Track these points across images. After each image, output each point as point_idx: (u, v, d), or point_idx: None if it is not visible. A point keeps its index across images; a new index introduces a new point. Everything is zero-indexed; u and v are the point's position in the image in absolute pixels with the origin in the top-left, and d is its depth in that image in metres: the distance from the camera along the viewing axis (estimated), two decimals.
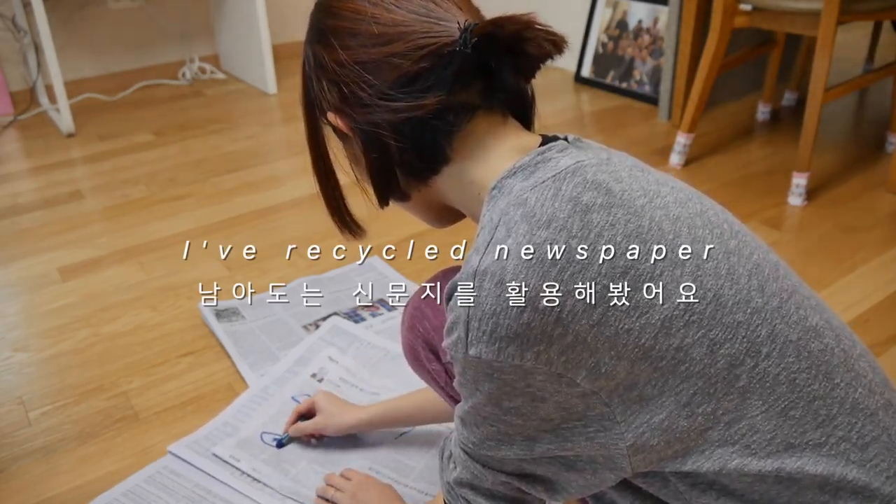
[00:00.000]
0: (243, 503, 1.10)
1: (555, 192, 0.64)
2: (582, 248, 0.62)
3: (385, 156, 0.73)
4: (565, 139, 0.73)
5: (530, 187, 0.65)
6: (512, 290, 0.61)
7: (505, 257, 0.62)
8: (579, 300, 0.61)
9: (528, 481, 0.73)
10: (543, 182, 0.65)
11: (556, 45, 0.66)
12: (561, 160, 0.67)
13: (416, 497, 1.11)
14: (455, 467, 0.78)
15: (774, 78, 2.54)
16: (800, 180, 1.97)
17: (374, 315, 1.54)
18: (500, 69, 0.70)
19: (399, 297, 1.60)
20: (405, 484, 1.13)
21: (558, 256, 0.61)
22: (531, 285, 0.61)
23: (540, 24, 0.65)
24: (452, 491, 0.79)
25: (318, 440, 1.21)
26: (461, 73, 0.69)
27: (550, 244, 0.62)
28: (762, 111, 2.57)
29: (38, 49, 2.77)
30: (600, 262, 0.62)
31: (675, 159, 2.22)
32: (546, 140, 0.73)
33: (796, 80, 2.66)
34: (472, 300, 0.63)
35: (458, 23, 0.69)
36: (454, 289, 0.65)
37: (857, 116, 2.62)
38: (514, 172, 0.68)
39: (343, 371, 1.36)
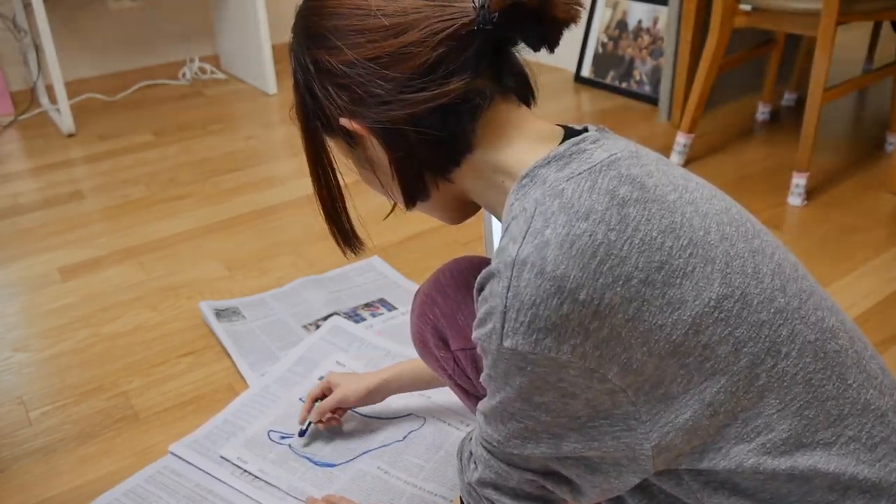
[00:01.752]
0: (244, 503, 1.10)
1: (591, 184, 0.64)
2: (620, 242, 0.61)
3: (409, 152, 0.70)
4: (585, 129, 0.72)
5: (566, 178, 0.64)
6: (553, 281, 0.60)
7: (545, 247, 0.61)
8: (617, 293, 0.61)
9: (553, 480, 0.72)
10: (580, 174, 0.64)
11: (577, 7, 0.65)
12: (595, 152, 0.67)
13: (427, 498, 1.11)
14: (477, 467, 0.76)
15: (774, 78, 2.54)
16: (799, 180, 1.97)
17: (374, 315, 1.54)
18: (525, 40, 0.68)
19: (399, 296, 1.60)
20: (415, 484, 1.13)
21: (598, 249, 0.61)
22: (572, 277, 0.60)
23: None
24: (474, 492, 0.78)
25: (338, 423, 1.21)
26: (482, 53, 0.66)
27: (590, 236, 0.61)
28: (762, 111, 2.57)
29: (38, 49, 2.77)
30: (637, 256, 0.62)
31: (675, 159, 2.22)
32: (569, 131, 0.72)
33: (796, 80, 2.66)
34: (509, 290, 0.61)
35: (473, 1, 0.66)
36: (489, 278, 0.64)
37: (857, 116, 2.62)
38: (549, 162, 0.66)
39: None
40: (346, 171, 0.79)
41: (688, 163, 2.24)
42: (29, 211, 2.06)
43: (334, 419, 1.21)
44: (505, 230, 0.66)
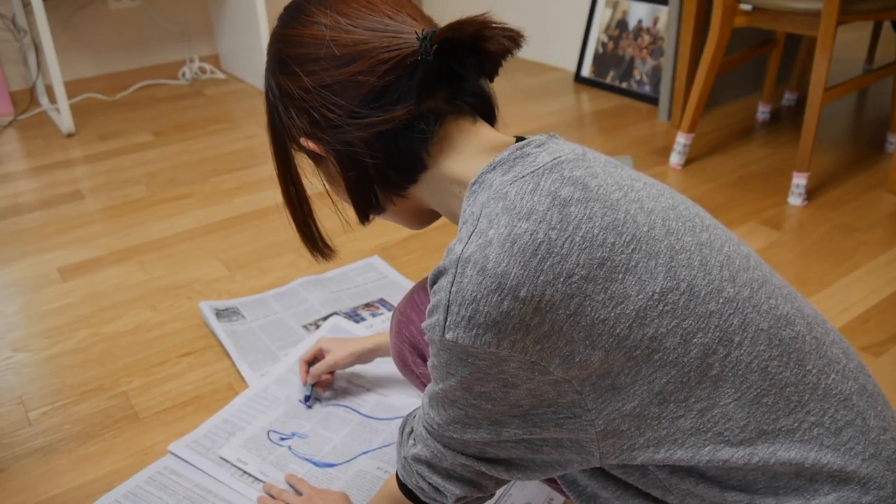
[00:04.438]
0: (243, 503, 1.10)
1: (534, 186, 0.66)
2: (561, 240, 0.63)
3: (362, 173, 0.74)
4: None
5: (510, 181, 0.67)
6: (493, 278, 0.62)
7: (487, 247, 0.63)
8: (558, 290, 0.62)
9: (488, 463, 0.74)
10: (523, 177, 0.67)
11: (513, 40, 0.67)
12: (539, 156, 0.69)
13: None
14: (415, 444, 0.79)
15: (774, 78, 2.54)
16: (800, 180, 1.97)
17: (374, 315, 1.54)
18: (463, 72, 0.71)
19: (399, 296, 1.60)
20: None
21: (539, 247, 0.63)
22: (512, 274, 0.62)
23: (496, 22, 0.67)
24: (409, 466, 0.80)
25: (330, 381, 1.31)
26: (426, 81, 0.70)
27: (531, 235, 0.63)
28: (762, 111, 2.57)
29: (38, 49, 2.77)
30: (578, 253, 0.63)
31: (675, 159, 2.22)
32: (520, 140, 0.74)
33: (796, 80, 2.66)
34: (453, 285, 0.64)
35: (417, 33, 0.70)
36: (438, 274, 0.67)
37: (857, 116, 2.62)
38: (494, 167, 0.69)
39: (350, 373, 1.36)
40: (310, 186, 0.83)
41: (688, 163, 2.24)
42: (29, 211, 2.06)
43: (328, 379, 1.30)
44: (457, 233, 0.69)
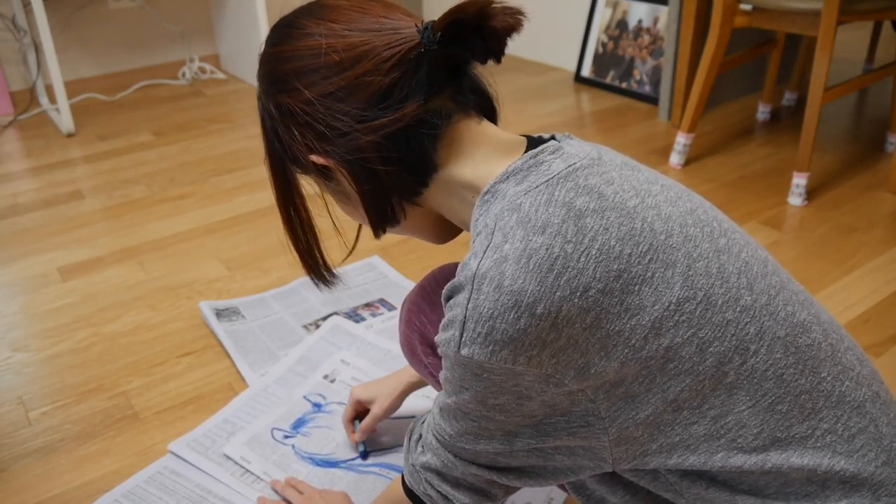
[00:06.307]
0: (243, 503, 1.10)
1: (548, 197, 0.65)
2: (577, 254, 0.62)
3: (376, 183, 0.72)
4: (552, 137, 0.73)
5: (523, 192, 0.66)
6: (510, 295, 0.61)
7: (503, 262, 0.62)
8: (574, 305, 0.62)
9: (499, 472, 0.74)
10: (537, 187, 0.66)
11: (515, 16, 0.66)
12: (553, 164, 0.68)
13: None
14: (424, 451, 0.78)
15: (774, 78, 2.54)
16: (800, 180, 1.97)
17: (374, 315, 1.54)
18: (469, 55, 0.70)
19: (399, 296, 1.60)
20: None
21: (555, 262, 0.62)
22: (529, 291, 0.61)
23: (496, 1, 0.65)
24: (417, 473, 0.80)
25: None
26: (432, 74, 0.69)
27: (547, 249, 0.62)
28: (762, 111, 2.57)
29: (38, 49, 2.77)
30: (595, 266, 0.62)
31: (675, 159, 2.22)
32: (531, 141, 0.73)
33: (796, 80, 2.66)
34: (469, 301, 0.63)
35: (417, 25, 0.69)
36: (454, 290, 0.66)
37: (857, 116, 2.62)
38: (507, 177, 0.68)
39: (355, 371, 1.36)
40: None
41: (688, 163, 2.24)
42: (29, 211, 2.06)
43: (374, 430, 1.19)
44: (471, 246, 0.68)
